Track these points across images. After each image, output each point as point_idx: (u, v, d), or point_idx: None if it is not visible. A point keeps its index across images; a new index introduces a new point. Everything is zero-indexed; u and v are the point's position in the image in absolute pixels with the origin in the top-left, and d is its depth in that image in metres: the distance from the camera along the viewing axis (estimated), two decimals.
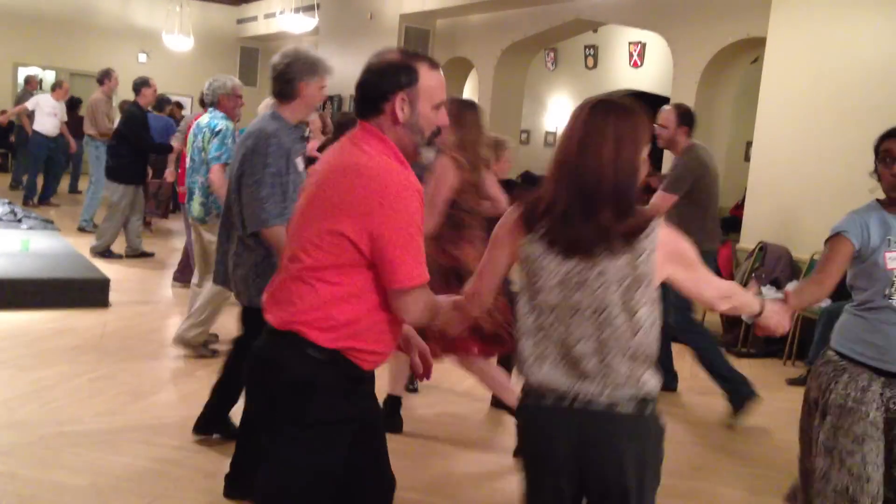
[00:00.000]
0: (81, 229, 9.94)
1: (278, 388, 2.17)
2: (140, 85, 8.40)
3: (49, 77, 16.90)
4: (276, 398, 2.17)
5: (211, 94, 5.35)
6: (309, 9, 14.96)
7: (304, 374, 2.12)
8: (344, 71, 16.54)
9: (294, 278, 2.15)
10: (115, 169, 8.37)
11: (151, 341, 5.74)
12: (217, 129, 5.12)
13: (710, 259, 5.37)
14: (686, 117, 5.25)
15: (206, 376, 4.96)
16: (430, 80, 2.17)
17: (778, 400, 5.52)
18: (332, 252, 2.09)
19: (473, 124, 4.01)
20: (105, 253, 8.47)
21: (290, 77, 3.38)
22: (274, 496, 2.21)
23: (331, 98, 14.76)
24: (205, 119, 5.33)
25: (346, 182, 2.08)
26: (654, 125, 5.16)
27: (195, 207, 5.41)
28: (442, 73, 2.24)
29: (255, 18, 18.96)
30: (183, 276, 7.22)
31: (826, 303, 6.11)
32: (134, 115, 8.42)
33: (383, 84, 2.15)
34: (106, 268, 7.26)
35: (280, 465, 2.18)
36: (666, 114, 5.31)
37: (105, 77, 9.75)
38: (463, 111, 3.95)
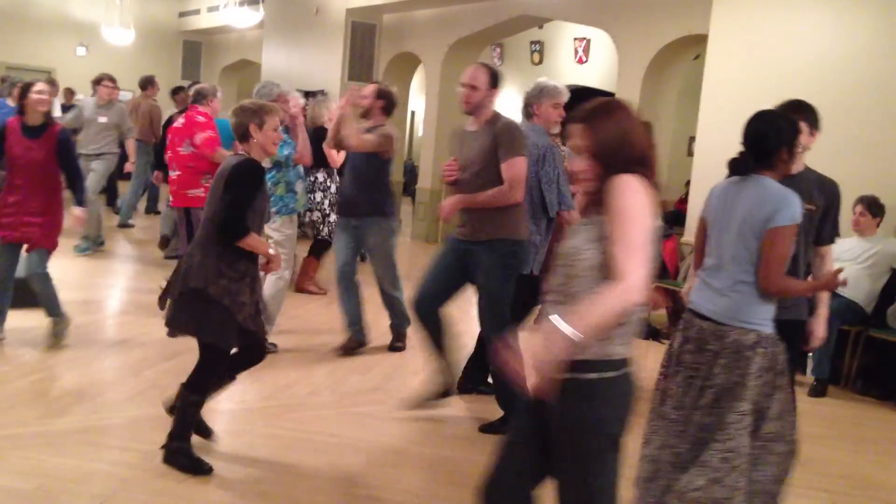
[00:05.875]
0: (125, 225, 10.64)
1: None
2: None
3: None
4: None
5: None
6: (253, 2, 14.78)
7: None
8: (289, 65, 16.31)
9: None
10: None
11: (96, 341, 5.63)
12: None
13: None
14: (497, 78, 4.41)
15: (152, 377, 4.89)
16: None
17: None
18: None
19: None
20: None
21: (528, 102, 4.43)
22: None
23: None
24: None
25: None
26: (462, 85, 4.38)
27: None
28: None
29: (197, 12, 18.66)
30: None
31: None
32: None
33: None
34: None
35: None
36: (474, 71, 4.36)
37: (148, 84, 10.88)
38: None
